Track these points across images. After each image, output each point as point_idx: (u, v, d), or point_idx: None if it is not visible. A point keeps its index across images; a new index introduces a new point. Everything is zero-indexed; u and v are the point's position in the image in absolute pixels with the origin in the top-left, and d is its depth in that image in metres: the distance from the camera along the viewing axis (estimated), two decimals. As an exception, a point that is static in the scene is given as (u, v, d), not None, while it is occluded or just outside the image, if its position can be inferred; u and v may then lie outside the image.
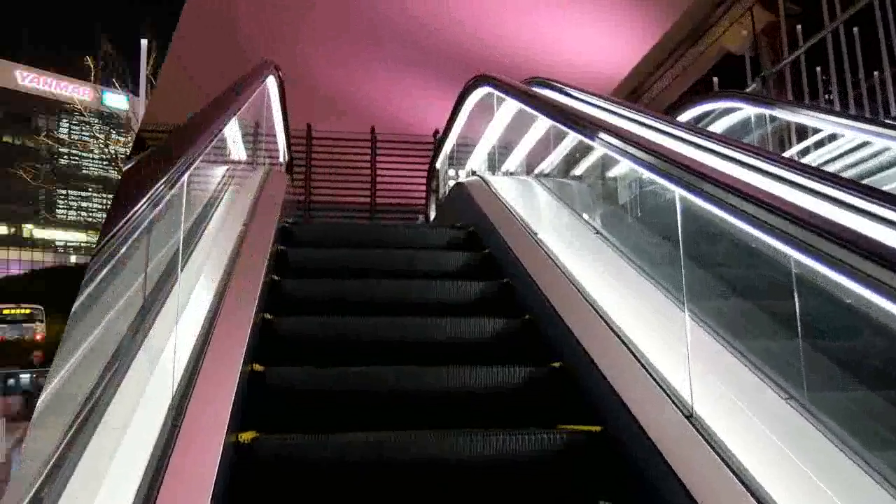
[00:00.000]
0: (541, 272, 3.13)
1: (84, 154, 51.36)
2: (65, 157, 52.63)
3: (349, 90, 10.83)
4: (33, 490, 1.27)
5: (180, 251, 2.16)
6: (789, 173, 1.94)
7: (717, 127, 4.41)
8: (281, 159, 6.40)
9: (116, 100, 41.17)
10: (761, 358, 2.05)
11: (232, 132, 4.08)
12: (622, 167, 4.24)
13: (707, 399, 1.90)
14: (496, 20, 9.13)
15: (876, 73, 5.81)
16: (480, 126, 5.63)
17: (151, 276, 2.07)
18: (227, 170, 4.00)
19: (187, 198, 2.26)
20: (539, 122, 4.60)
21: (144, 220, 1.70)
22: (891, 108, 5.63)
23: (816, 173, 1.90)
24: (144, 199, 1.69)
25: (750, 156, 2.20)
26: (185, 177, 2.12)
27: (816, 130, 4.71)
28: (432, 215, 7.16)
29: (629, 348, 2.29)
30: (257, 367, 2.42)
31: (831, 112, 4.56)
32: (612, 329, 2.45)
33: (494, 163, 5.46)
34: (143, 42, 33.21)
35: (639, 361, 2.20)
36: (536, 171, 4.96)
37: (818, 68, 6.44)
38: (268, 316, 2.84)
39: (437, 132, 10.67)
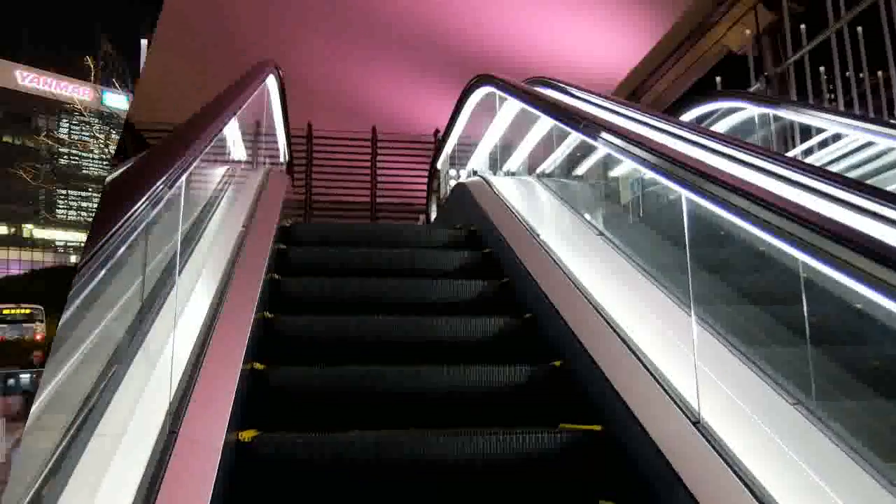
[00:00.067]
0: (542, 272, 3.11)
1: (84, 154, 51.41)
2: (65, 157, 52.66)
3: (350, 89, 10.81)
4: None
5: (178, 255, 2.14)
6: (803, 177, 1.91)
7: (721, 127, 4.39)
8: (281, 159, 6.39)
9: (116, 100, 41.19)
10: (768, 362, 2.03)
11: (232, 132, 4.07)
12: (624, 167, 4.22)
13: (709, 401, 1.87)
14: (497, 19, 9.10)
15: (880, 72, 5.78)
16: (482, 126, 5.60)
17: (149, 279, 2.05)
18: (227, 170, 4.00)
19: (185, 199, 2.24)
20: (541, 122, 4.58)
21: (140, 222, 1.67)
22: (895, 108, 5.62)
23: (828, 176, 1.87)
24: (131, 210, 1.64)
25: (759, 157, 2.17)
26: (183, 178, 2.09)
27: (820, 130, 4.69)
28: (433, 216, 7.14)
29: (631, 348, 2.28)
30: (258, 366, 2.43)
31: (835, 112, 4.54)
32: (614, 329, 2.43)
33: (496, 163, 5.44)
34: (143, 42, 33.27)
35: (641, 362, 2.18)
36: (538, 170, 4.94)
37: (822, 68, 6.42)
38: (268, 314, 2.85)
39: (437, 131, 10.65)
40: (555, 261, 3.16)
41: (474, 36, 9.34)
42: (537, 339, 2.92)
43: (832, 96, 6.34)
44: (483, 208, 4.25)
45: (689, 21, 8.86)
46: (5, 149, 53.01)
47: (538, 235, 3.52)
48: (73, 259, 51.21)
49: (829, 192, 1.75)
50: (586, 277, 2.90)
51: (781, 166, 2.02)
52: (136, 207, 1.64)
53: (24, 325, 23.88)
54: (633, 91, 10.44)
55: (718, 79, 8.26)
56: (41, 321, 24.19)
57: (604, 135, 2.74)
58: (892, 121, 4.64)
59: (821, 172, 1.90)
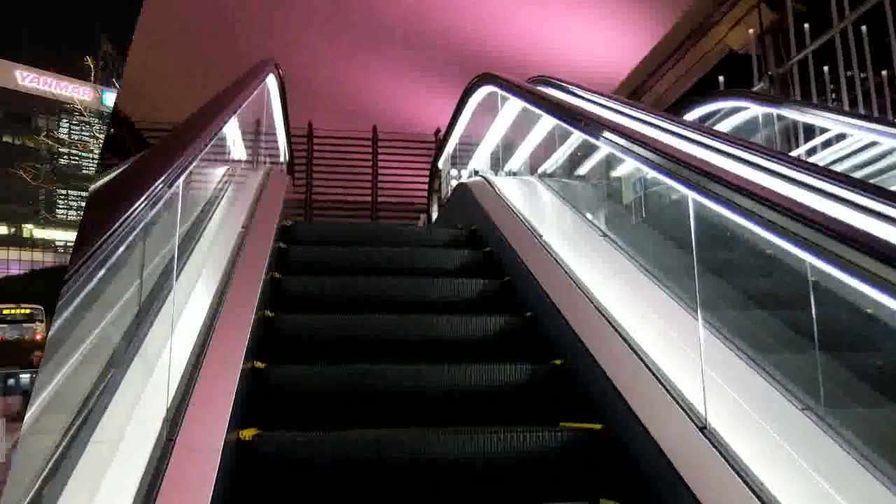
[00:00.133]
0: (544, 272, 3.10)
1: (84, 154, 51.40)
2: (65, 157, 52.66)
3: (351, 88, 10.79)
4: None
5: (175, 258, 2.12)
6: (807, 176, 1.88)
7: (724, 126, 4.37)
8: (282, 159, 6.37)
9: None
10: (775, 366, 2.00)
11: (232, 132, 4.05)
12: (626, 167, 4.20)
13: (714, 403, 1.85)
14: (497, 19, 9.09)
15: (884, 71, 5.76)
16: (483, 125, 5.58)
17: (145, 283, 2.03)
18: (228, 170, 3.99)
19: (184, 200, 2.22)
20: (543, 122, 4.55)
21: (139, 223, 1.65)
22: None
23: (833, 176, 1.84)
24: (126, 213, 1.60)
25: (763, 157, 2.15)
26: (181, 180, 2.07)
27: (824, 130, 4.67)
28: (434, 216, 7.12)
29: (633, 348, 2.27)
30: (258, 365, 2.43)
31: (839, 111, 4.52)
32: (615, 329, 2.42)
33: (498, 162, 5.42)
34: (143, 42, 33.14)
35: (643, 362, 2.17)
36: (540, 170, 4.91)
37: (826, 67, 6.39)
38: (269, 313, 2.84)
39: (438, 131, 10.64)
40: (556, 260, 3.15)
41: (475, 35, 9.32)
42: (538, 338, 2.92)
43: (835, 96, 6.32)
44: (484, 208, 4.24)
45: (690, 20, 8.84)
46: (5, 149, 53.00)
47: (540, 235, 3.50)
48: (73, 259, 51.05)
49: (834, 192, 1.73)
50: (588, 277, 2.89)
51: (785, 166, 2.00)
52: (133, 208, 1.62)
53: (24, 325, 23.85)
54: (634, 91, 10.43)
55: (721, 78, 8.24)
56: (41, 321, 24.15)
57: (607, 134, 2.72)
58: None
59: (825, 172, 1.87)
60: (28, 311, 24.36)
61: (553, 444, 2.13)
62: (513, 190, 4.50)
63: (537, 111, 4.12)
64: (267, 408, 2.35)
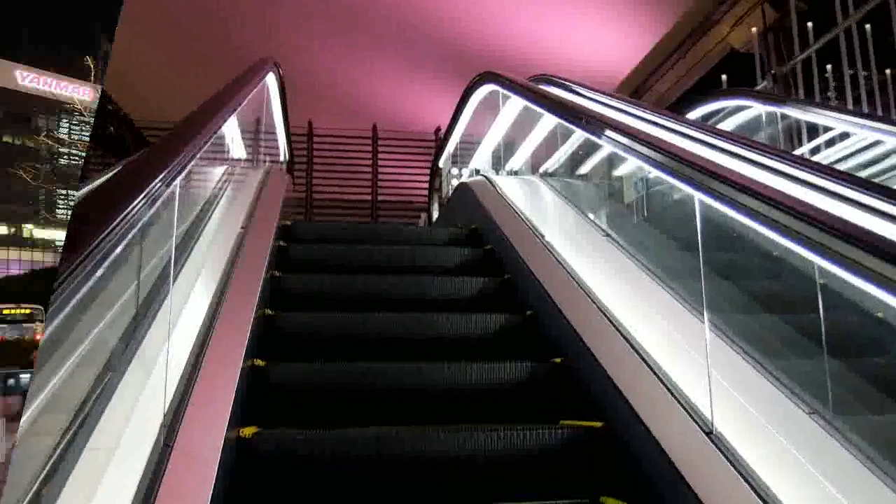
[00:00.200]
0: (545, 271, 3.09)
1: (84, 154, 51.33)
2: (65, 157, 52.63)
3: (351, 87, 10.77)
4: None
5: (172, 259, 2.10)
6: (811, 175, 1.86)
7: (727, 125, 4.35)
8: (281, 158, 6.35)
9: (116, 99, 41.08)
10: (782, 370, 1.98)
11: (231, 130, 4.04)
12: (628, 166, 4.18)
13: (716, 404, 1.83)
14: (498, 18, 9.07)
15: (888, 70, 5.74)
16: (484, 124, 5.56)
17: (143, 285, 2.02)
18: (227, 169, 3.98)
19: (183, 200, 2.20)
20: (544, 121, 4.53)
21: (134, 225, 1.62)
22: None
23: (836, 175, 1.82)
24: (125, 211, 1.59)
25: (765, 155, 2.12)
26: (178, 180, 2.05)
27: (828, 129, 4.64)
28: (435, 215, 7.10)
29: (634, 347, 2.26)
30: (258, 363, 2.42)
31: (842, 110, 4.50)
32: (617, 329, 2.41)
33: (499, 161, 5.40)
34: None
35: (645, 362, 2.16)
36: (541, 169, 4.90)
37: (829, 66, 6.37)
38: (269, 311, 2.84)
39: (439, 129, 10.62)
40: (558, 260, 3.14)
41: (475, 34, 9.30)
42: (539, 336, 2.92)
43: (839, 94, 6.30)
44: (486, 207, 4.23)
45: (691, 19, 8.82)
46: (5, 149, 53.02)
47: (541, 235, 3.48)
48: (73, 259, 51.05)
49: (838, 191, 1.70)
50: (589, 276, 2.88)
51: (789, 165, 1.97)
52: (132, 207, 1.60)
53: (24, 325, 23.84)
54: (635, 89, 10.41)
55: (724, 77, 8.22)
56: (41, 321, 24.12)
57: (609, 133, 2.70)
58: (899, 119, 4.60)
59: (829, 171, 1.85)
60: (28, 311, 24.35)
61: (553, 442, 2.13)
62: (514, 189, 4.49)
63: (539, 110, 4.10)
64: (267, 406, 2.35)
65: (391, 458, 2.07)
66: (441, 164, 7.01)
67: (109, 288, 1.73)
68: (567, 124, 3.51)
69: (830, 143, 4.77)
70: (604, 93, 3.63)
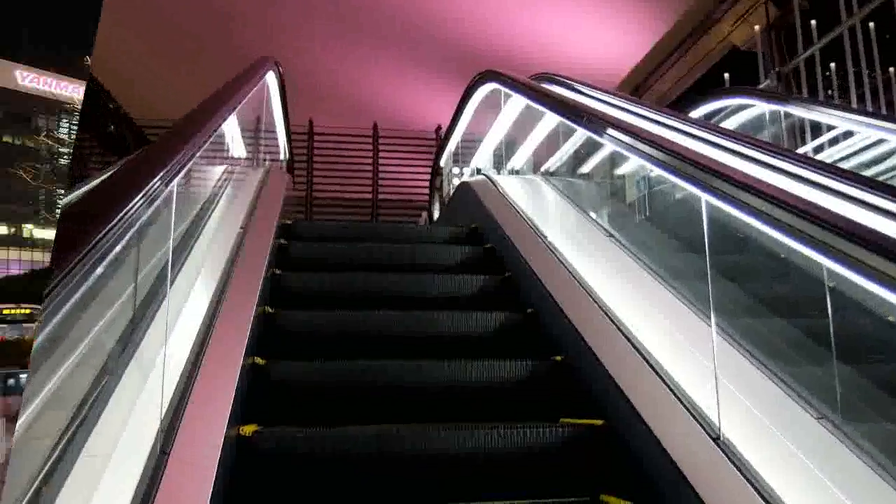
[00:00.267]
0: (547, 270, 3.08)
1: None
2: (65, 157, 52.59)
3: (351, 86, 10.75)
4: None
5: (170, 261, 2.09)
6: (814, 174, 1.83)
7: (730, 124, 4.33)
8: (282, 156, 6.34)
9: (116, 99, 41.09)
10: (792, 376, 1.96)
11: (231, 129, 4.02)
12: (630, 165, 4.16)
13: (717, 404, 1.81)
14: (500, 17, 9.06)
15: (892, 68, 5.73)
16: (486, 123, 5.55)
17: (143, 283, 2.00)
18: (227, 167, 3.97)
19: (183, 199, 2.19)
20: (546, 119, 4.52)
21: (130, 227, 1.60)
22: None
23: (840, 173, 1.79)
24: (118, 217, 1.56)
25: (769, 154, 2.10)
26: (176, 181, 2.03)
27: (831, 127, 4.62)
28: (436, 214, 7.07)
29: (635, 346, 2.24)
30: (259, 361, 2.42)
31: (845, 108, 4.48)
32: (618, 327, 2.40)
33: (500, 160, 5.39)
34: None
35: (646, 361, 2.15)
36: (543, 168, 4.88)
37: (832, 64, 6.36)
38: (269, 309, 2.83)
39: (439, 128, 10.61)
40: (559, 259, 3.13)
41: (476, 32, 9.29)
42: (539, 335, 2.91)
43: (842, 93, 6.28)
44: (487, 207, 4.22)
45: (692, 17, 8.81)
46: (5, 149, 53.00)
47: (543, 234, 3.46)
48: (74, 259, 51.04)
49: (842, 189, 1.68)
50: (591, 276, 2.88)
51: (792, 163, 1.95)
52: (131, 206, 1.58)
53: (24, 325, 23.85)
54: (636, 88, 10.40)
55: (726, 75, 8.20)
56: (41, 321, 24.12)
57: (612, 132, 2.68)
58: (902, 117, 4.58)
59: (833, 170, 1.83)
60: (28, 311, 24.37)
61: (554, 440, 2.12)
62: (515, 188, 4.47)
63: (541, 108, 4.08)
64: (267, 404, 2.34)
65: (391, 456, 2.07)
66: (442, 163, 6.99)
67: (108, 288, 1.71)
68: (569, 123, 3.49)
69: (834, 141, 4.75)
70: (606, 91, 3.61)
